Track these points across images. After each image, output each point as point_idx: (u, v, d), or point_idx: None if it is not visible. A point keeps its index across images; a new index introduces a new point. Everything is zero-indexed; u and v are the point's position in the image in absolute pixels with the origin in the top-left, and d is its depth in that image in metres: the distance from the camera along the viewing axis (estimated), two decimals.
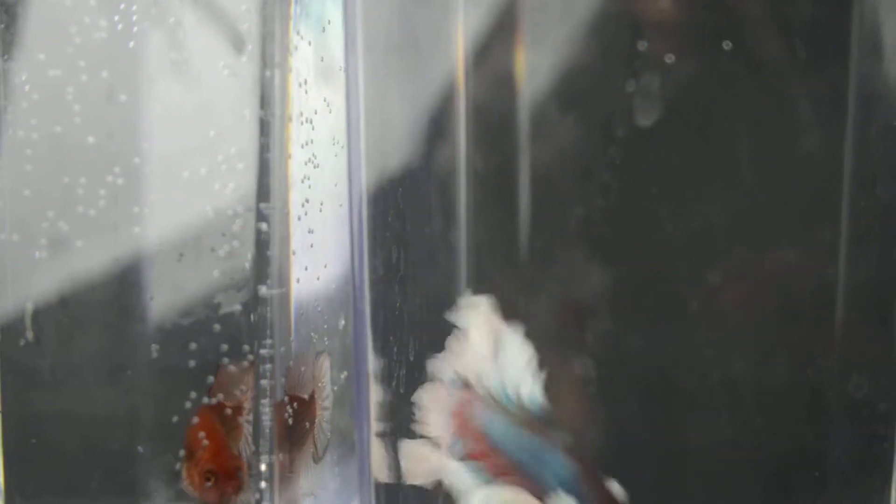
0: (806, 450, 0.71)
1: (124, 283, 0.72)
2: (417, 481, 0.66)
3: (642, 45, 0.71)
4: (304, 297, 0.75)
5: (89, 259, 0.72)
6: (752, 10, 0.70)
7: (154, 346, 0.72)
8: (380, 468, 0.73)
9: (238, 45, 0.70)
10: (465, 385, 0.65)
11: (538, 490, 0.61)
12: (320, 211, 0.74)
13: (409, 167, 0.75)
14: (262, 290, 0.72)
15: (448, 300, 0.73)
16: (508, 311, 0.71)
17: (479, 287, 0.73)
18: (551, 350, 0.68)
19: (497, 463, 0.62)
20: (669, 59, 0.71)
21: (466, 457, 0.64)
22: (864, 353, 0.70)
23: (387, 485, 0.73)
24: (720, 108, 0.71)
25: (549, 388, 0.66)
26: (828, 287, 0.70)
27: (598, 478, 0.61)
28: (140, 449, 0.72)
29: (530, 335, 0.70)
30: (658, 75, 0.71)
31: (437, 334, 0.72)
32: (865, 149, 0.70)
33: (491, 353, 0.64)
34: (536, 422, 0.62)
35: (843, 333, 0.70)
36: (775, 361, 0.69)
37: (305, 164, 0.74)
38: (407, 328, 0.73)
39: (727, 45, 0.70)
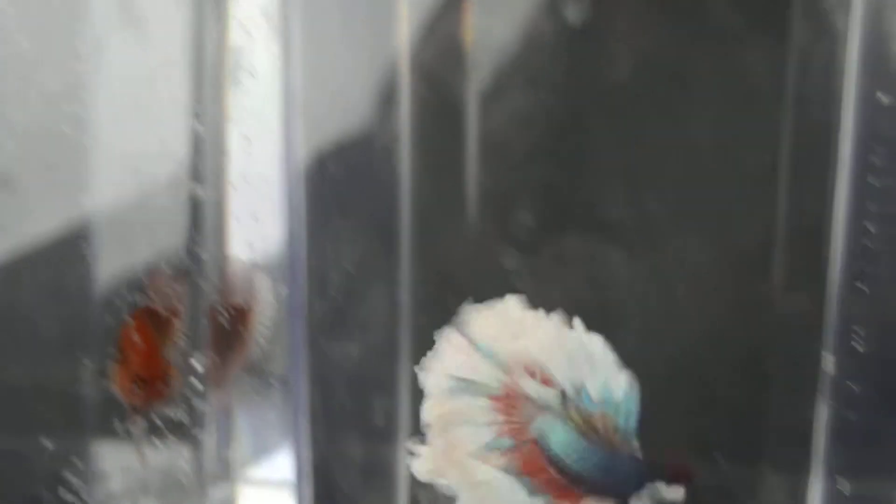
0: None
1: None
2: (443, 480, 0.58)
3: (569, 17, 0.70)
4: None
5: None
6: None
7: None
8: None
9: None
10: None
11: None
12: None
13: (350, 134, 0.73)
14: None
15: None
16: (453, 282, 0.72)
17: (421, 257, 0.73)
18: None
19: (558, 482, 0.52)
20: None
21: (517, 470, 0.53)
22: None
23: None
24: (665, 75, 0.71)
25: None
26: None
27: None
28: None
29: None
30: (600, 43, 0.70)
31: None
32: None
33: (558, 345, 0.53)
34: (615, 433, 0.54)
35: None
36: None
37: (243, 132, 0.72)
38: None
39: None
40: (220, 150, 0.72)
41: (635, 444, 0.53)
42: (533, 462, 0.52)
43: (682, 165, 0.69)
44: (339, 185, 0.73)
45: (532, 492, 0.52)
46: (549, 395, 0.52)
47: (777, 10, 0.68)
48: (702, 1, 0.69)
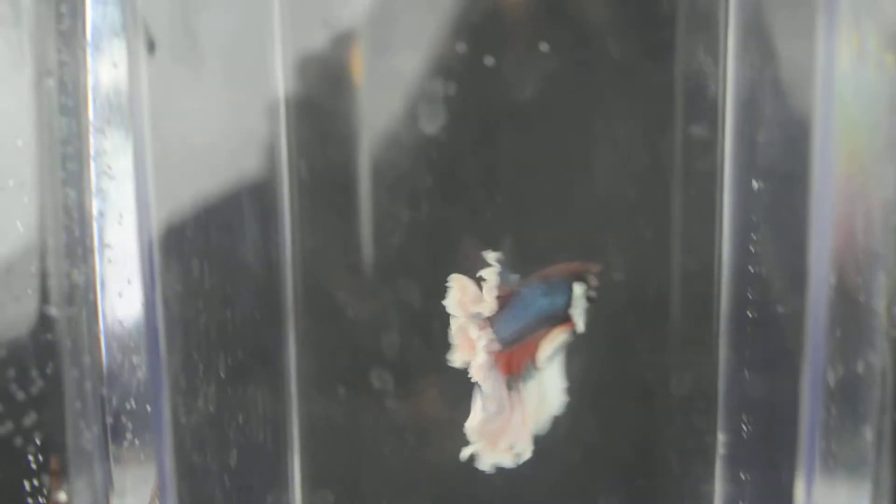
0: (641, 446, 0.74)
1: None
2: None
3: (462, 48, 0.71)
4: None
5: None
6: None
7: None
8: None
9: (150, 47, 0.66)
10: None
11: None
12: (119, 224, 0.69)
13: (213, 179, 0.72)
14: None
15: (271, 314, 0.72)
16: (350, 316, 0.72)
17: (308, 298, 0.73)
18: None
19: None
20: (489, 61, 0.71)
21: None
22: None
23: None
24: (542, 108, 0.71)
25: None
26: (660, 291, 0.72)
27: None
28: None
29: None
30: (481, 76, 0.71)
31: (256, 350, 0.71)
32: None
33: None
34: None
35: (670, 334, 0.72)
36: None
37: (100, 174, 0.69)
38: (216, 345, 0.71)
39: (545, 47, 0.71)
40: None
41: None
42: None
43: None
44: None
45: None
46: None
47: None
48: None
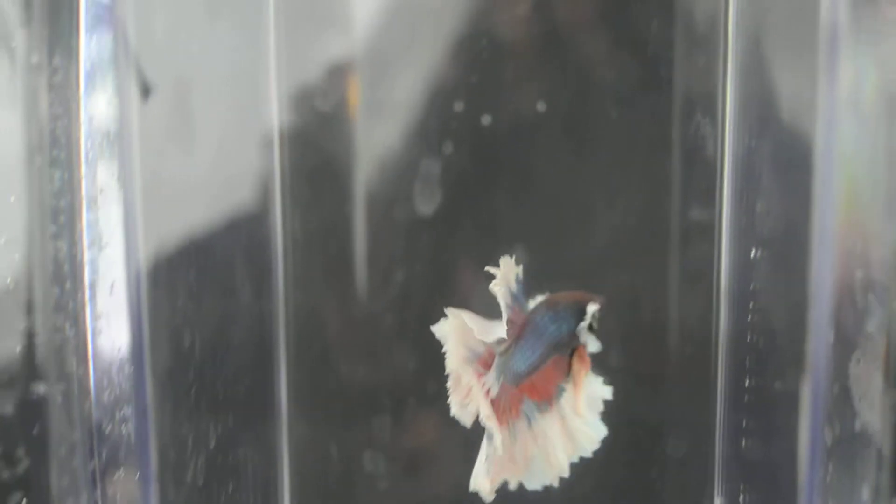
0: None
1: None
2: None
3: (459, 107, 0.71)
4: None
5: None
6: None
7: None
8: None
9: (144, 91, 0.65)
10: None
11: None
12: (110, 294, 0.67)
13: (202, 241, 0.71)
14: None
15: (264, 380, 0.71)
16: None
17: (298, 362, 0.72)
18: None
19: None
20: (485, 120, 0.71)
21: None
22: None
23: None
24: (539, 166, 0.71)
25: None
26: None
27: None
28: None
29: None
30: (473, 136, 0.71)
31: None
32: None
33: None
34: None
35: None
36: None
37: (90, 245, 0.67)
38: (206, 414, 0.69)
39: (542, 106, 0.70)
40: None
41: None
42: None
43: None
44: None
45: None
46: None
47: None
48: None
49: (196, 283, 0.66)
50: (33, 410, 0.60)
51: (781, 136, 0.64)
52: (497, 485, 0.61)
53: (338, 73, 0.71)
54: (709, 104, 0.70)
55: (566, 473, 0.61)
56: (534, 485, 0.61)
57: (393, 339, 0.73)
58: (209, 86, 0.69)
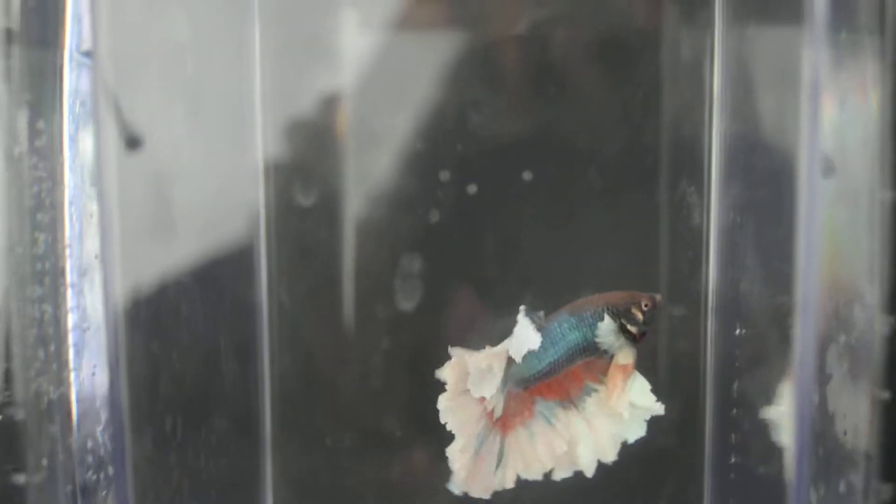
0: None
1: None
2: None
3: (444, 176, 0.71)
4: None
5: None
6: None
7: None
8: None
9: (131, 143, 0.65)
10: None
11: None
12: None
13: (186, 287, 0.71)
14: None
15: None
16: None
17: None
18: None
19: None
20: (471, 189, 0.71)
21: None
22: None
23: None
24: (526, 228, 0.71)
25: None
26: None
27: None
28: None
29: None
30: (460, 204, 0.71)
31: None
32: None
33: None
34: None
35: None
36: None
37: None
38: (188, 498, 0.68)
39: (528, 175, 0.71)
40: None
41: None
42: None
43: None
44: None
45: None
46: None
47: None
48: None
49: (177, 338, 0.66)
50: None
51: (764, 210, 0.63)
52: (511, 483, 0.62)
53: (325, 105, 0.71)
54: (695, 173, 0.70)
55: (589, 472, 0.61)
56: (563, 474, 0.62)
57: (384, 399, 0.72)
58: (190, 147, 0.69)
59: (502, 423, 0.62)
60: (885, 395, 0.50)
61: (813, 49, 0.48)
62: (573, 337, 0.60)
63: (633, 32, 0.70)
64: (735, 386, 0.67)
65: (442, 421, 0.61)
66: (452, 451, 0.61)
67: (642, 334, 0.61)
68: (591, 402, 0.62)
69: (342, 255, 0.72)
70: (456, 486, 0.62)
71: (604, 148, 0.71)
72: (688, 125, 0.70)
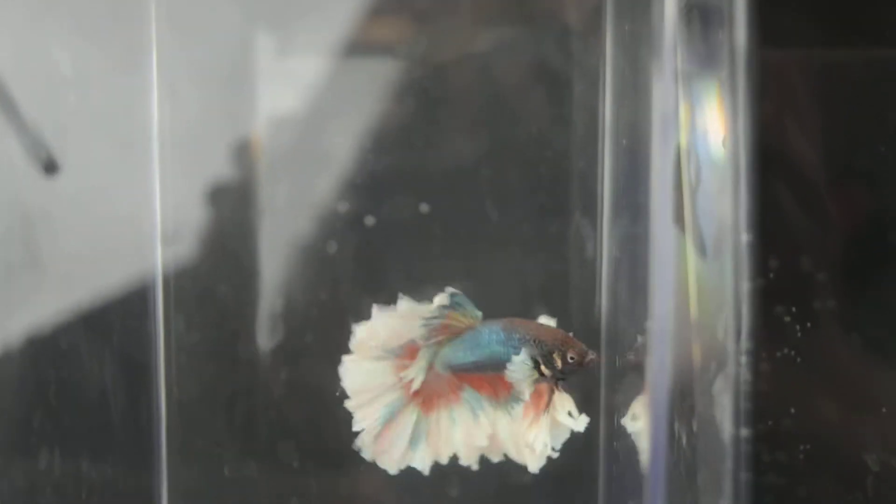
0: None
1: None
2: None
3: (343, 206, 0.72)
4: None
5: None
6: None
7: None
8: None
9: (49, 167, 0.65)
10: None
11: None
12: None
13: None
14: None
15: None
16: None
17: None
18: None
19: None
20: (369, 220, 0.71)
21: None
22: None
23: None
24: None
25: None
26: None
27: None
28: None
29: None
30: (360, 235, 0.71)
31: None
32: None
33: None
34: None
35: None
36: None
37: None
38: None
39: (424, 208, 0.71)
40: None
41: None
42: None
43: None
44: None
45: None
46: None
47: None
48: None
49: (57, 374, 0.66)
50: None
51: (636, 246, 0.64)
52: (425, 466, 0.62)
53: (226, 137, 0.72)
54: (588, 206, 0.71)
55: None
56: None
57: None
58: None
59: (424, 401, 0.62)
60: (743, 432, 0.51)
61: (663, 85, 0.49)
62: (497, 350, 0.60)
63: (530, 70, 0.71)
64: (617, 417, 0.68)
65: (341, 379, 0.62)
66: (351, 407, 0.62)
67: (556, 381, 0.60)
68: (518, 410, 0.62)
69: (242, 284, 0.72)
70: (364, 450, 0.62)
71: (500, 181, 0.72)
72: (582, 160, 0.71)
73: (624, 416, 0.64)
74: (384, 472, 0.71)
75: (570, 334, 0.60)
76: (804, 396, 0.63)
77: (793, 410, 0.63)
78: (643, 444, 0.62)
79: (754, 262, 0.49)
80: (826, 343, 0.63)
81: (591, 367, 0.60)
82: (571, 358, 0.59)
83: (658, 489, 0.51)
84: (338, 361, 0.71)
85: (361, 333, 0.61)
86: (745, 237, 0.49)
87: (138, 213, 0.71)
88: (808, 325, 0.62)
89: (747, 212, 0.49)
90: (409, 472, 0.68)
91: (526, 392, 0.60)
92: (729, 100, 0.50)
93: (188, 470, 0.73)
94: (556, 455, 0.59)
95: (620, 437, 0.65)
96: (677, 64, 0.50)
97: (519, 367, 0.60)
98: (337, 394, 0.62)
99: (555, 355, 0.60)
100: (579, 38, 0.70)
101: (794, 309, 0.60)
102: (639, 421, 0.63)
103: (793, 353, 0.62)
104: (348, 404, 0.62)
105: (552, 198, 0.71)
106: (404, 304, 0.60)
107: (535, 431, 0.60)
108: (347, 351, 0.67)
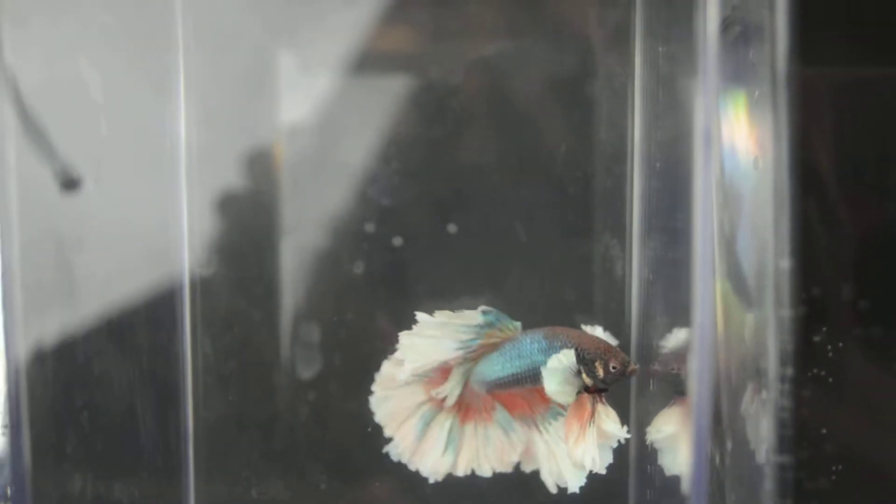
0: None
1: None
2: None
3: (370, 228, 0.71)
4: None
5: None
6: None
7: None
8: None
9: (70, 184, 0.64)
10: None
11: None
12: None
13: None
14: None
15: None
16: None
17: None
18: None
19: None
20: (396, 241, 0.71)
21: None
22: None
23: None
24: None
25: None
26: None
27: None
28: None
29: None
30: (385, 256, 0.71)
31: None
32: None
33: None
34: None
35: None
36: None
37: None
38: None
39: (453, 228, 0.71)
40: None
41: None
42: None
43: None
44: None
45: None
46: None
47: None
48: None
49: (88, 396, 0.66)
50: None
51: (672, 269, 0.64)
52: (462, 471, 0.61)
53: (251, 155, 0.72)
54: (618, 227, 0.71)
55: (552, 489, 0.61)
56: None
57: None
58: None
59: (461, 412, 0.62)
60: (782, 459, 0.50)
61: (705, 103, 0.49)
62: (538, 360, 0.60)
63: (558, 88, 0.71)
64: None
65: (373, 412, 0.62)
66: (388, 434, 0.62)
67: (597, 390, 0.60)
68: (556, 426, 0.61)
69: (268, 305, 0.72)
70: (395, 455, 0.62)
71: (528, 201, 0.72)
72: (611, 179, 0.70)
73: (648, 428, 0.63)
74: (413, 492, 0.71)
75: (613, 344, 0.60)
76: (837, 418, 0.63)
77: (824, 431, 0.63)
78: (666, 459, 0.62)
79: (794, 287, 0.49)
80: (860, 364, 0.62)
81: (632, 375, 0.60)
82: (614, 367, 0.59)
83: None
84: (366, 382, 0.71)
85: (387, 369, 0.61)
86: (784, 263, 0.49)
87: (166, 233, 0.71)
88: (840, 345, 0.62)
89: (788, 236, 0.49)
90: (436, 494, 0.68)
91: (564, 398, 0.59)
92: (768, 117, 0.49)
93: (216, 491, 0.72)
94: (603, 473, 0.59)
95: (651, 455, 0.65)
96: (715, 81, 0.49)
97: (556, 368, 0.59)
98: (369, 430, 0.62)
99: (597, 364, 0.59)
100: (606, 55, 0.70)
101: (826, 330, 0.60)
102: (661, 433, 0.62)
103: (824, 373, 0.62)
104: (385, 432, 0.61)
105: (581, 218, 0.71)
106: (431, 322, 0.60)
107: (581, 446, 0.59)
108: (375, 371, 0.67)
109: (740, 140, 0.55)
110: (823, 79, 0.58)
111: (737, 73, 0.54)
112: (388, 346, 0.64)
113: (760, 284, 0.50)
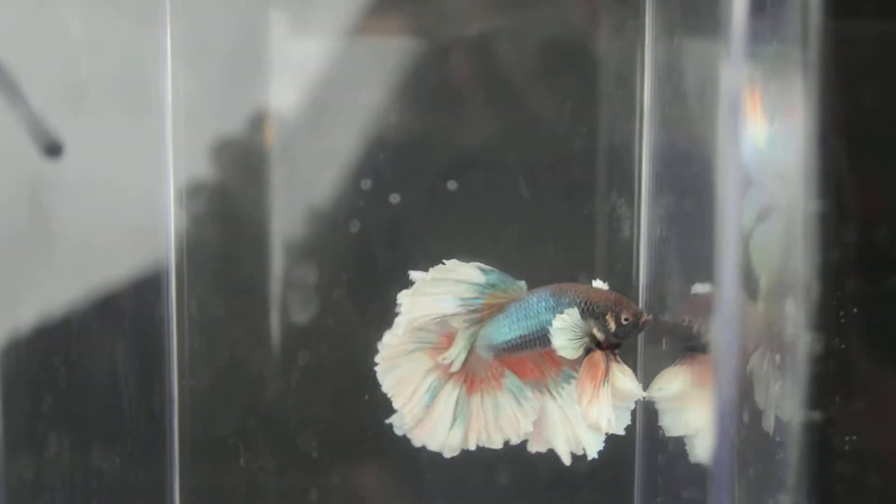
0: None
1: None
2: None
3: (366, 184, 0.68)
4: None
5: None
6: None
7: None
8: None
9: (52, 149, 0.62)
10: None
11: None
12: None
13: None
14: None
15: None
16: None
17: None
18: None
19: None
20: (393, 198, 0.68)
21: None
22: None
23: None
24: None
25: None
26: None
27: None
28: None
29: None
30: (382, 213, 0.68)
31: None
32: None
33: None
34: None
35: None
36: None
37: None
38: None
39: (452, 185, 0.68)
40: None
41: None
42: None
43: None
44: None
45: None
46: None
47: None
48: None
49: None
50: None
51: (688, 224, 0.61)
52: (472, 445, 0.58)
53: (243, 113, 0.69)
54: (625, 184, 0.68)
55: (566, 460, 0.58)
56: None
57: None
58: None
59: (467, 382, 0.58)
60: (815, 415, 0.48)
61: (732, 61, 0.45)
62: (547, 318, 0.56)
63: (564, 44, 0.68)
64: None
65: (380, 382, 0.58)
66: (397, 406, 0.58)
67: (609, 346, 0.56)
68: (569, 390, 0.58)
69: (258, 266, 0.69)
70: (399, 427, 0.58)
71: (532, 158, 0.68)
72: (618, 137, 0.67)
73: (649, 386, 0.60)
74: (408, 462, 0.69)
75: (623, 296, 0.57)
76: (856, 384, 0.60)
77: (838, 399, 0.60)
78: (667, 420, 0.59)
79: (825, 235, 0.46)
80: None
81: (644, 327, 0.57)
82: (626, 319, 0.56)
83: (723, 479, 0.47)
84: (360, 346, 0.68)
85: (389, 339, 0.58)
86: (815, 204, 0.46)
87: (151, 190, 0.68)
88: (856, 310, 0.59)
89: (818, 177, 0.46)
90: (434, 464, 0.66)
91: (573, 354, 0.56)
92: (799, 77, 0.46)
93: (202, 460, 0.69)
94: (622, 433, 0.56)
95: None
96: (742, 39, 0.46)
97: (563, 326, 0.56)
98: (366, 397, 0.59)
99: (608, 317, 0.56)
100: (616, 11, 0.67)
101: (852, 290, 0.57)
102: (664, 391, 0.59)
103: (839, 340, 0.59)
104: (393, 404, 0.58)
105: (586, 175, 0.68)
106: (428, 279, 0.56)
107: (596, 407, 0.56)
108: (370, 335, 0.64)
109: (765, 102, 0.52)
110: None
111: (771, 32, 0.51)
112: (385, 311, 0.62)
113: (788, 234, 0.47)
